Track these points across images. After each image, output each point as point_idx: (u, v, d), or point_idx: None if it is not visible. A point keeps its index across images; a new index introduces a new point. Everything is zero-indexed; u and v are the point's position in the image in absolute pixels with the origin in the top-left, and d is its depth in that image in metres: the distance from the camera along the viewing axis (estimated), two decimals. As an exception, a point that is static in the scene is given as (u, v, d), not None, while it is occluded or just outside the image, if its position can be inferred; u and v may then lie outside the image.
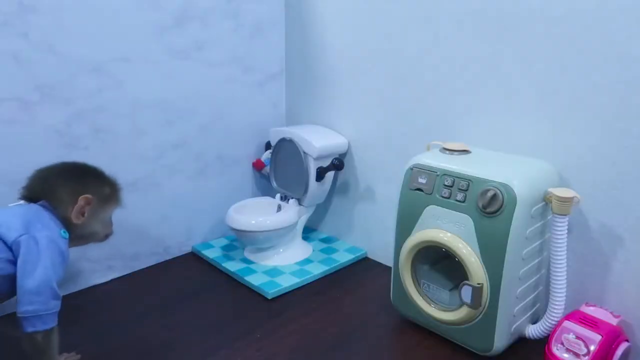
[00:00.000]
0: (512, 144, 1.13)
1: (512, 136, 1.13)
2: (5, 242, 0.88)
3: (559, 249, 0.96)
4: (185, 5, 1.34)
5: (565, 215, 0.95)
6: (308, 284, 1.35)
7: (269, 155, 1.55)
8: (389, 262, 1.31)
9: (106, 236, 1.06)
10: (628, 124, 0.96)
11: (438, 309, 1.07)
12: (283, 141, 1.47)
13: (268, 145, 1.58)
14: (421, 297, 1.10)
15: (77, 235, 1.00)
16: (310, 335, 1.12)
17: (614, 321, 0.98)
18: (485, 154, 1.10)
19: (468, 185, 0.98)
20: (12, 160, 1.14)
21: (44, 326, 0.89)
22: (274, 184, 1.54)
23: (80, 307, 1.21)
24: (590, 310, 1.01)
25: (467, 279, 0.99)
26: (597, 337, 0.94)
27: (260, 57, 1.55)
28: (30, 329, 0.87)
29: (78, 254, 1.24)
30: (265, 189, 1.66)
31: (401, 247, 1.09)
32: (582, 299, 1.07)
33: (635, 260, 1.00)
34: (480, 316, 1.00)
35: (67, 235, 0.96)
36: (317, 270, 1.39)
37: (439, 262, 1.11)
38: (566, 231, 0.96)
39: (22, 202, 0.98)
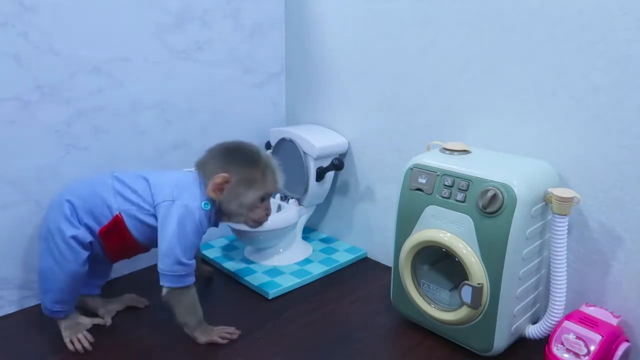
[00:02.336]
0: (512, 144, 1.13)
1: (512, 136, 1.13)
2: (153, 201, 1.01)
3: (559, 249, 0.96)
4: (185, 5, 1.34)
5: (565, 215, 0.94)
6: (308, 284, 1.35)
7: (269, 156, 1.54)
8: (389, 262, 1.31)
9: (254, 221, 1.08)
10: (628, 124, 0.96)
11: (438, 309, 1.07)
12: (283, 141, 1.47)
13: (268, 145, 1.58)
14: (421, 297, 1.10)
15: (219, 210, 1.06)
16: (310, 335, 1.12)
17: (614, 321, 0.98)
18: (485, 154, 1.10)
19: (468, 185, 0.98)
20: (12, 160, 1.14)
21: (169, 284, 0.99)
22: (274, 184, 1.54)
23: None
24: (590, 311, 1.01)
25: (467, 279, 0.99)
26: (598, 337, 0.94)
27: (260, 57, 1.55)
28: (161, 283, 1.00)
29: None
30: (265, 189, 1.65)
31: (401, 247, 1.09)
32: (582, 299, 1.07)
33: (635, 260, 1.00)
34: (480, 316, 1.00)
35: (208, 207, 1.02)
36: (317, 270, 1.39)
37: (439, 262, 1.11)
38: (566, 231, 0.96)
39: (192, 169, 1.08)
